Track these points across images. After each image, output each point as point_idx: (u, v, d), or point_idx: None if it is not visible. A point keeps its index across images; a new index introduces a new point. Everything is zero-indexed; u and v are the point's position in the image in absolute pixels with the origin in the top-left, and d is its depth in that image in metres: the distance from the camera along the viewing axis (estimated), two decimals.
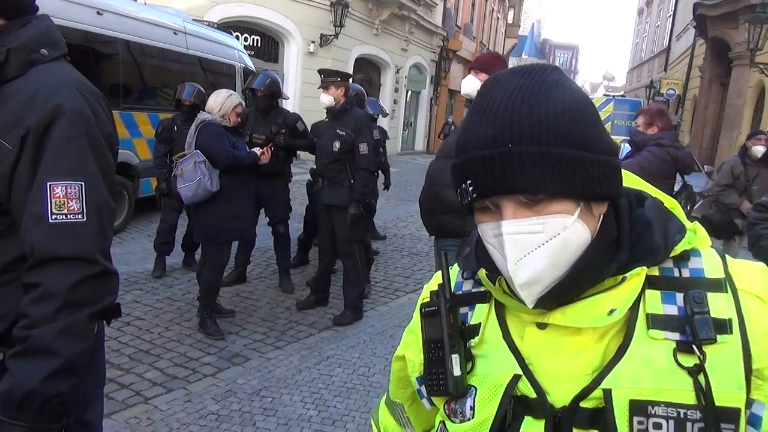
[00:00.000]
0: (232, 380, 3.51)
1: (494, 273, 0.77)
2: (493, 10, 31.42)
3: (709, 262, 0.75)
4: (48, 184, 1.12)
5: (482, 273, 0.80)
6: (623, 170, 0.77)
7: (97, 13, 6.10)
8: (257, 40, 13.54)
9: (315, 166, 5.65)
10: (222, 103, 4.03)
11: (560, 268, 0.70)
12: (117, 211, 1.32)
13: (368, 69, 17.98)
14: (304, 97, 13.53)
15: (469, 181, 0.70)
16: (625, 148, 4.76)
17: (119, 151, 5.98)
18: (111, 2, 6.47)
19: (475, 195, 0.70)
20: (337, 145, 4.22)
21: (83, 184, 1.16)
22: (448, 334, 0.79)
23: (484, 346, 0.80)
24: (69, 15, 5.68)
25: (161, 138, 5.17)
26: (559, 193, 0.68)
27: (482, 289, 0.83)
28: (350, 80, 4.42)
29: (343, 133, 4.20)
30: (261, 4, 12.74)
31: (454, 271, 0.90)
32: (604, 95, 19.33)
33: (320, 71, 4.28)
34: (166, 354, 3.78)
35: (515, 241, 0.69)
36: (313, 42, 14.22)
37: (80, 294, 1.13)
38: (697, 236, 0.77)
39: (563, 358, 0.74)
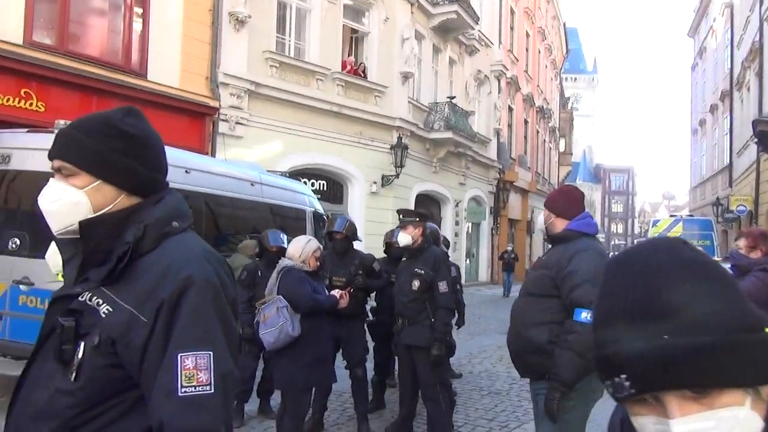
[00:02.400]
0: None
1: None
2: (545, 141, 32.39)
3: None
4: (179, 355, 1.12)
5: None
6: None
7: (186, 171, 6.65)
8: (323, 184, 14.29)
9: (375, 304, 5.67)
10: (302, 248, 4.15)
11: None
12: None
13: (429, 204, 18.46)
14: (368, 235, 13.86)
15: (624, 376, 0.66)
16: None
17: None
18: (196, 161, 7.05)
19: (633, 390, 0.66)
20: (416, 284, 4.21)
21: (211, 353, 1.15)
22: None
23: None
24: None
25: (244, 283, 5.25)
26: (728, 384, 0.64)
27: None
28: (427, 220, 4.51)
29: (422, 272, 4.21)
30: (325, 152, 13.61)
31: None
32: (671, 215, 18.95)
33: (399, 211, 4.41)
34: None
35: None
36: (375, 183, 14.87)
37: None
38: None
39: None
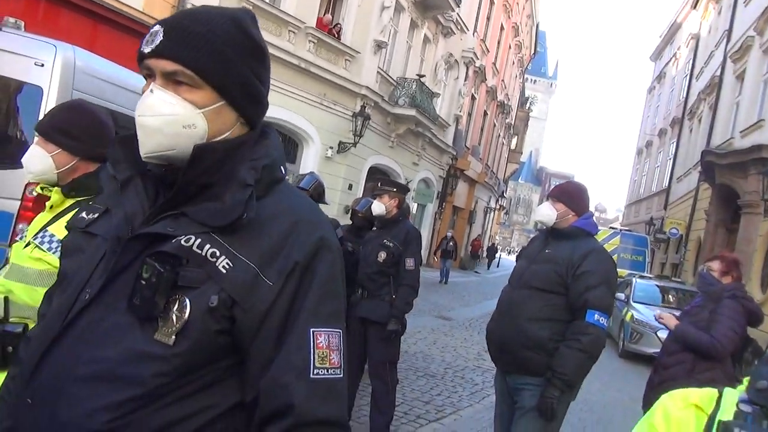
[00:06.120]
0: None
1: None
2: (499, 135, 32.76)
3: None
4: (312, 330, 0.95)
5: None
6: None
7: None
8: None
9: None
10: None
11: None
12: None
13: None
14: None
15: None
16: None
17: None
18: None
19: None
20: (382, 255, 4.00)
21: (341, 332, 0.99)
22: None
23: None
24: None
25: None
26: None
27: None
28: (406, 194, 4.30)
29: (391, 245, 4.00)
30: (286, 107, 13.09)
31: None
32: (610, 227, 19.58)
33: (378, 179, 4.18)
34: None
35: None
36: (331, 147, 14.50)
37: None
38: None
39: None
